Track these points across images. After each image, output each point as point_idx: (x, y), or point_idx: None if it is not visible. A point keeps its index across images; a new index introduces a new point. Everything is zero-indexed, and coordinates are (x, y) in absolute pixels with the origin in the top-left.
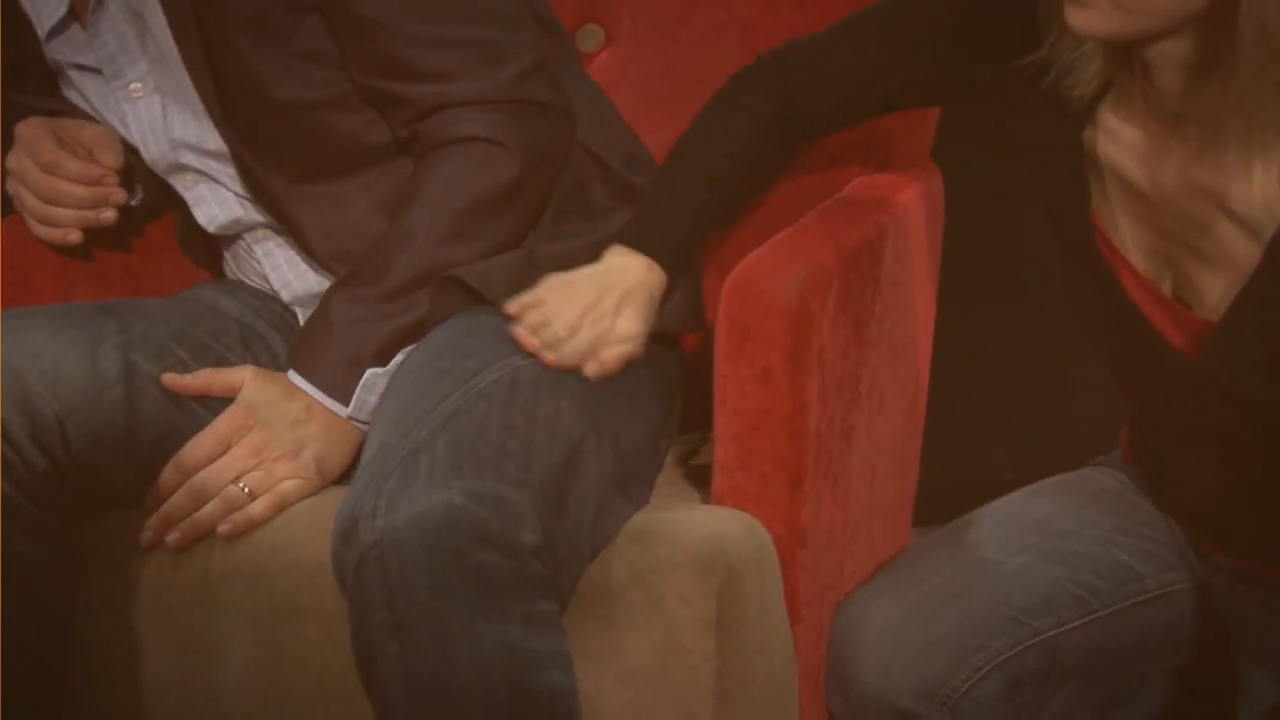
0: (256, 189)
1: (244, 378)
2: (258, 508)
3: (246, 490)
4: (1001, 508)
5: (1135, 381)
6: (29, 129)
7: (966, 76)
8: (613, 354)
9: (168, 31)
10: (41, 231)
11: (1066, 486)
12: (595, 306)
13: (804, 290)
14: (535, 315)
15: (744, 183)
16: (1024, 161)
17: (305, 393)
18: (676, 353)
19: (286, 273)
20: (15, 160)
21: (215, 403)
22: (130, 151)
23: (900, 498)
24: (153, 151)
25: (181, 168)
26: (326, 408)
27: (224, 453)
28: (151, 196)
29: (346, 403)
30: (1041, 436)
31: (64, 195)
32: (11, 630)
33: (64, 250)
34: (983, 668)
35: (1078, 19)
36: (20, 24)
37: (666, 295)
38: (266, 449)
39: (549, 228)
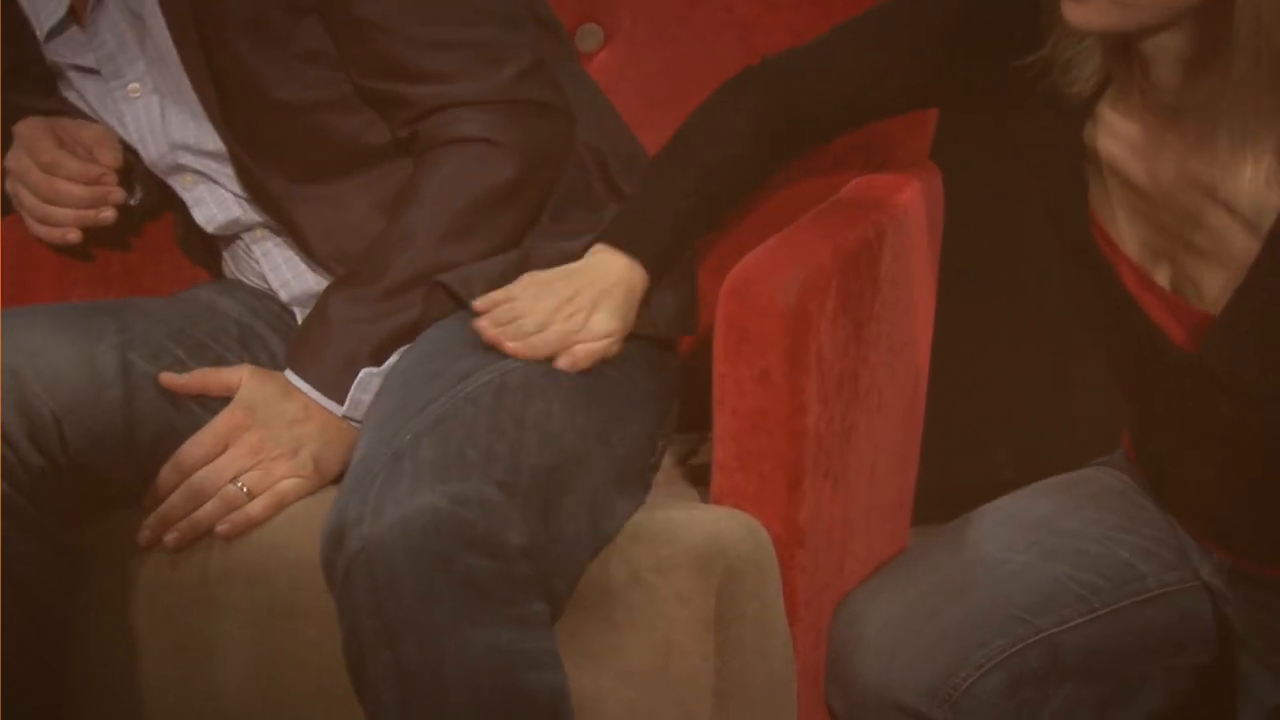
0: (255, 189)
1: (241, 377)
2: (256, 507)
3: (245, 490)
4: (1002, 506)
5: (1136, 381)
6: (28, 128)
7: (965, 79)
8: (585, 350)
9: (166, 33)
10: (41, 231)
11: (1068, 486)
12: (569, 302)
13: (802, 291)
14: (504, 311)
15: (733, 187)
16: (1024, 160)
17: (302, 392)
18: (673, 353)
19: (285, 272)
20: (14, 160)
21: (213, 402)
22: (129, 151)
23: (899, 497)
24: (151, 152)
25: (180, 168)
26: (323, 407)
27: (222, 452)
28: (151, 196)
29: (342, 402)
30: (1041, 436)
31: (63, 195)
32: (11, 630)
33: (63, 250)
34: (984, 665)
35: (1075, 14)
36: (19, 25)
37: (658, 299)
38: (264, 448)
39: (548, 227)
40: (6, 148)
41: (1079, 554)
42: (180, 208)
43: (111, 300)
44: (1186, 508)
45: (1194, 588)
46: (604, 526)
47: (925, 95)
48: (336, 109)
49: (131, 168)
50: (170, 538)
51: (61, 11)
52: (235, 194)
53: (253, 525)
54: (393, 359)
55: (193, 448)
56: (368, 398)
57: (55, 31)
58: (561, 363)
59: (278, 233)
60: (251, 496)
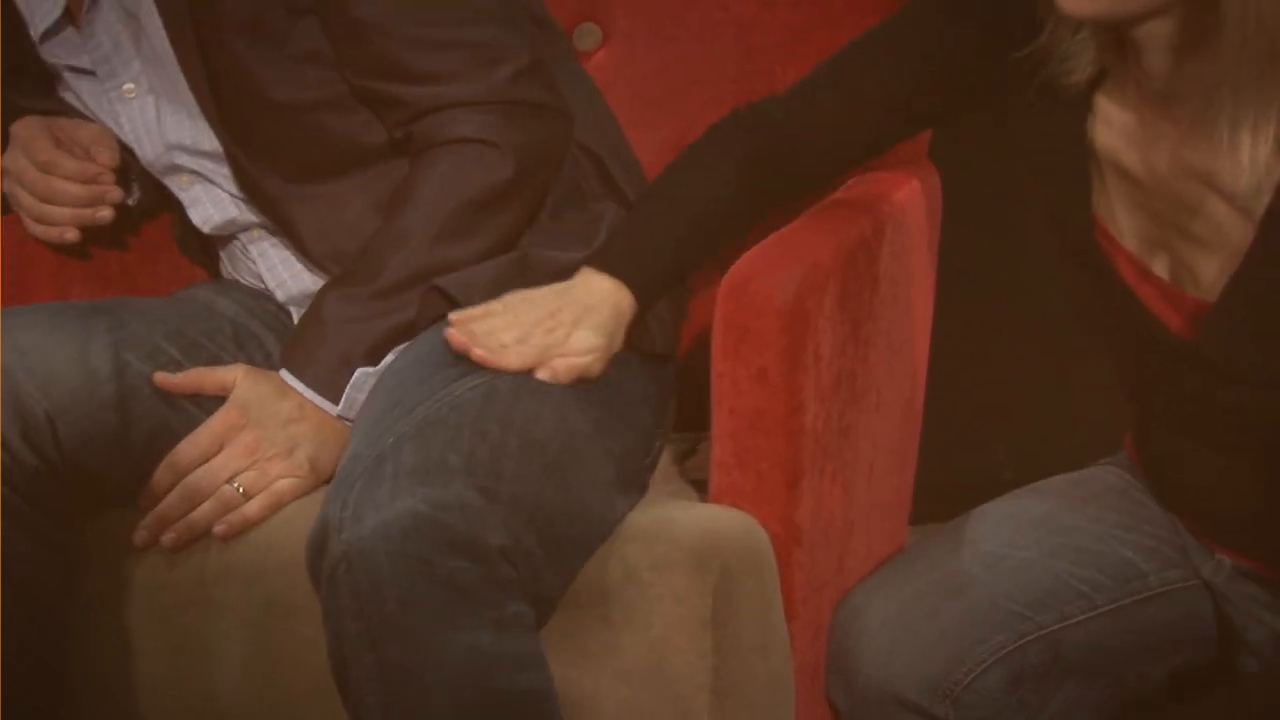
0: (251, 189)
1: (236, 376)
2: (253, 507)
3: (241, 490)
4: (1004, 504)
5: (1136, 381)
6: (25, 128)
7: (967, 80)
8: (565, 364)
9: (163, 33)
10: (38, 230)
11: (1069, 485)
12: (552, 316)
13: (800, 290)
14: (480, 325)
15: (728, 227)
16: (1024, 160)
17: (297, 391)
18: (670, 355)
19: (281, 272)
20: (11, 159)
21: (208, 402)
22: (126, 151)
23: (898, 496)
24: (147, 152)
25: (176, 169)
26: (318, 406)
27: (217, 452)
28: (148, 196)
29: (337, 401)
30: (1040, 436)
31: (60, 194)
32: (11, 630)
33: (61, 249)
34: (985, 661)
35: (1067, 2)
36: (17, 25)
37: (655, 313)
38: (260, 448)
39: (546, 226)
40: (4, 148)
41: (1080, 551)
42: (177, 208)
43: (107, 300)
44: (1188, 507)
45: (1195, 586)
46: (600, 527)
47: (928, 108)
48: (333, 109)
49: (129, 167)
50: (167, 538)
51: (56, 12)
52: (231, 194)
53: (249, 525)
54: (388, 359)
55: (188, 448)
56: (363, 397)
57: (50, 32)
58: (541, 375)
59: (274, 233)
60: (247, 497)
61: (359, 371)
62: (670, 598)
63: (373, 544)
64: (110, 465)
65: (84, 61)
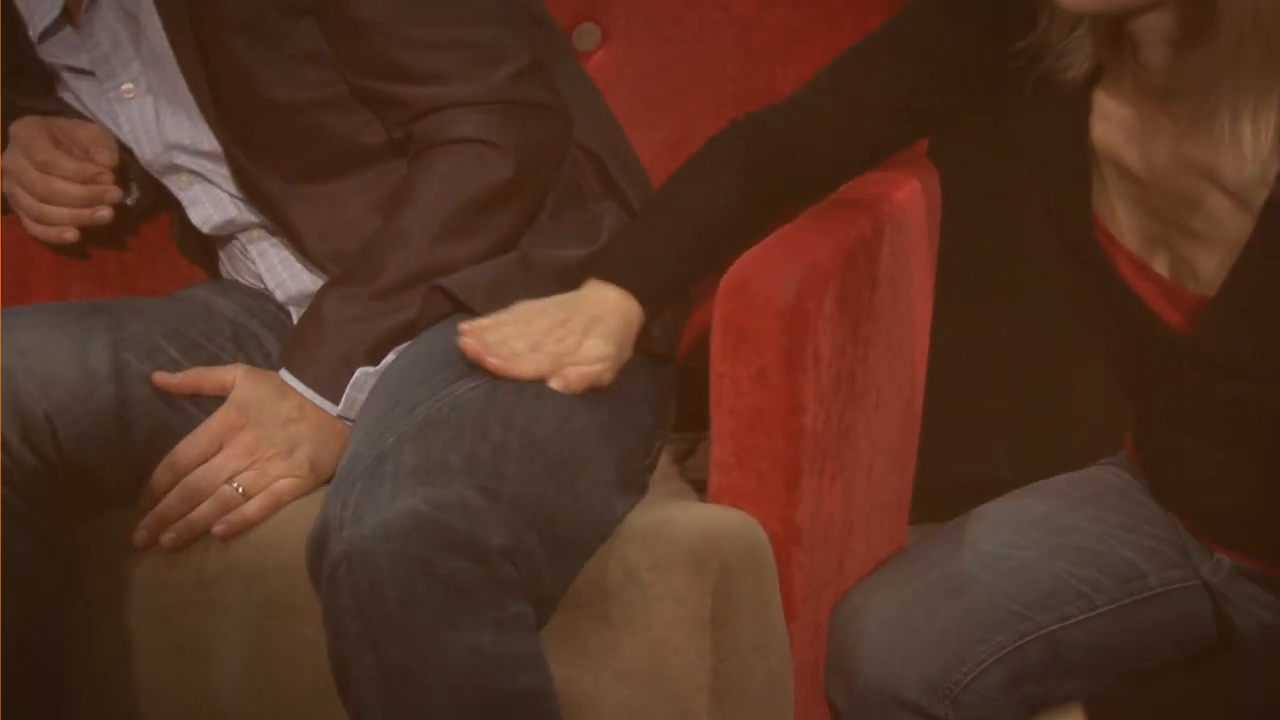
0: (251, 189)
1: (235, 376)
2: (252, 507)
3: (240, 490)
4: (1004, 504)
5: (1136, 379)
6: (24, 128)
7: (968, 80)
8: (578, 372)
9: (162, 33)
10: (37, 230)
11: (1069, 485)
12: (562, 325)
13: (799, 290)
14: (492, 334)
15: (728, 234)
16: (1024, 159)
17: (297, 391)
18: (671, 356)
19: (281, 272)
20: (10, 159)
21: (208, 402)
22: (125, 151)
23: (897, 496)
24: (146, 152)
25: (175, 169)
26: (318, 406)
27: (217, 452)
28: (147, 196)
29: (337, 401)
30: (1040, 436)
31: (59, 194)
32: (11, 630)
33: (60, 249)
34: (985, 661)
35: None
36: (16, 25)
37: (660, 318)
38: (259, 448)
39: (546, 226)
40: (3, 147)
41: (1080, 551)
42: (176, 208)
43: (106, 300)
44: (1188, 505)
45: (1194, 586)
46: (600, 527)
47: (928, 109)
48: (332, 109)
49: (128, 167)
50: (167, 538)
51: (55, 12)
52: (231, 194)
53: (249, 525)
54: (389, 358)
55: (188, 448)
56: (363, 397)
57: (49, 32)
58: (554, 384)
59: (273, 233)
60: (247, 497)
61: (359, 371)
62: (670, 598)
63: (373, 544)
64: (110, 465)
65: (83, 61)
